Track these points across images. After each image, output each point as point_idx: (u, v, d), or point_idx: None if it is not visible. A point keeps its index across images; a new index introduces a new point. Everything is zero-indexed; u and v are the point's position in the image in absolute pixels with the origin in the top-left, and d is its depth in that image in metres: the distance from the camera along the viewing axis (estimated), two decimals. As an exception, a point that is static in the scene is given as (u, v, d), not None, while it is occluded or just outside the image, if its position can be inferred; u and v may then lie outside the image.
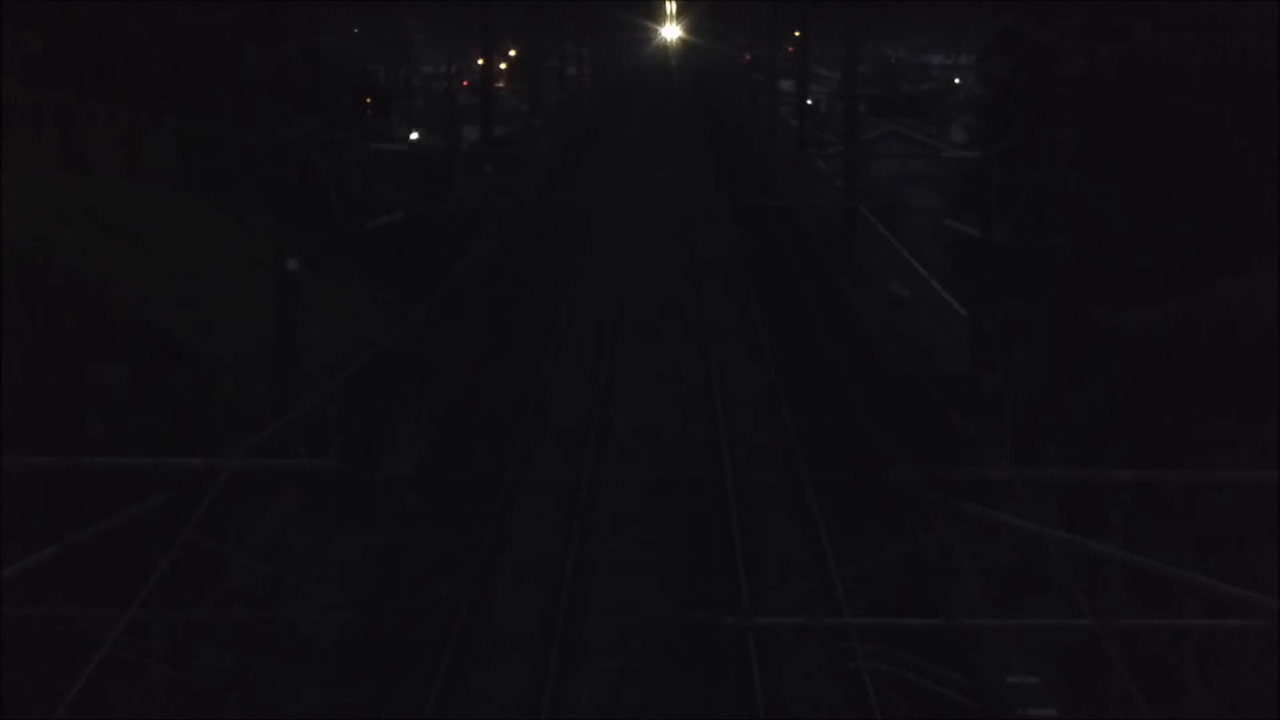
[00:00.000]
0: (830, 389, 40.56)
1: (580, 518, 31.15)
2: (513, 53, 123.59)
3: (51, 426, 26.56)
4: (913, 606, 26.05)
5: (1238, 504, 24.40)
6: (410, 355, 40.82)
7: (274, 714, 23.03)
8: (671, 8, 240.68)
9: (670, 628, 26.29)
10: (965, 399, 35.80)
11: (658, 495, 33.04)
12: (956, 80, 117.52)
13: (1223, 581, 18.34)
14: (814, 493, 32.33)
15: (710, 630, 25.62)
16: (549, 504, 32.19)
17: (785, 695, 23.99)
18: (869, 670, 23.86)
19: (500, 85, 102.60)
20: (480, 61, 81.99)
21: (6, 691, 20.66)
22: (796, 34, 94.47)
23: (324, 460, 26.02)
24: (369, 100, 67.49)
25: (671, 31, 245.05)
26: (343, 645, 24.95)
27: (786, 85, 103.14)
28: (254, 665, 23.72)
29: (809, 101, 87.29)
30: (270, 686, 23.56)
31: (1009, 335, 35.99)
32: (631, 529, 31.16)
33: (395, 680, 24.23)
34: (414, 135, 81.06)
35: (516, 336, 46.88)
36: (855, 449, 35.60)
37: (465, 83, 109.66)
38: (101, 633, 17.05)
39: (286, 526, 28.97)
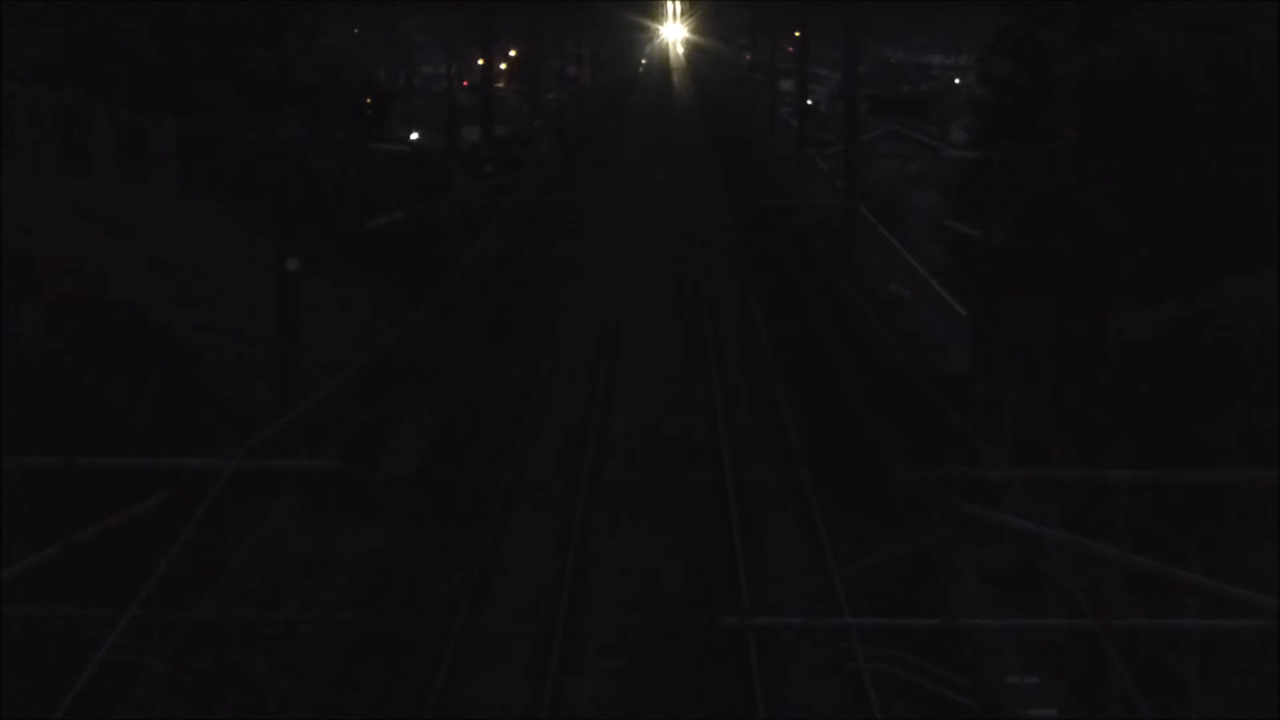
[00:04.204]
0: (830, 388, 40.56)
1: (581, 521, 31.20)
2: (513, 53, 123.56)
3: (51, 426, 26.54)
4: (913, 606, 26.06)
5: (1238, 504, 24.40)
6: (410, 355, 40.82)
7: (274, 714, 23.03)
8: (674, 6, 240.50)
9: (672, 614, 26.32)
10: (965, 399, 35.79)
11: (656, 495, 33.07)
12: (956, 80, 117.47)
13: (1223, 581, 18.33)
14: (814, 492, 32.36)
15: (710, 631, 25.63)
16: (550, 502, 32.23)
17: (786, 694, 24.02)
18: (869, 670, 23.87)
19: (500, 85, 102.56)
20: (480, 61, 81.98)
21: (6, 691, 20.66)
22: (796, 34, 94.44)
23: (324, 460, 26.02)
24: (369, 100, 67.41)
25: (674, 32, 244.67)
26: (342, 646, 24.96)
27: (787, 85, 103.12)
28: (254, 665, 23.71)
29: (809, 101, 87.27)
30: (270, 687, 23.56)
31: (1009, 335, 35.97)
32: (634, 528, 31.23)
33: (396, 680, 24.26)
34: (414, 135, 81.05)
35: (517, 336, 46.87)
36: (856, 449, 35.60)
37: (465, 83, 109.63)
38: (101, 633, 17.04)
39: (286, 527, 28.96)
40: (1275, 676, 20.71)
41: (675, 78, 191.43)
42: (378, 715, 23.47)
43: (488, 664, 25.00)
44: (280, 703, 23.24)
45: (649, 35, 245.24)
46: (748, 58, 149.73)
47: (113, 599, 19.01)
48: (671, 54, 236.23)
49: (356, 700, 23.75)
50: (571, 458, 35.18)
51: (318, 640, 24.56)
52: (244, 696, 23.00)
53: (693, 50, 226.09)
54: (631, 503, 32.63)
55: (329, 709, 23.37)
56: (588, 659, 25.26)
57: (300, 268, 30.96)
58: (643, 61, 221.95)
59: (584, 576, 28.53)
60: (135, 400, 29.88)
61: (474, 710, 23.66)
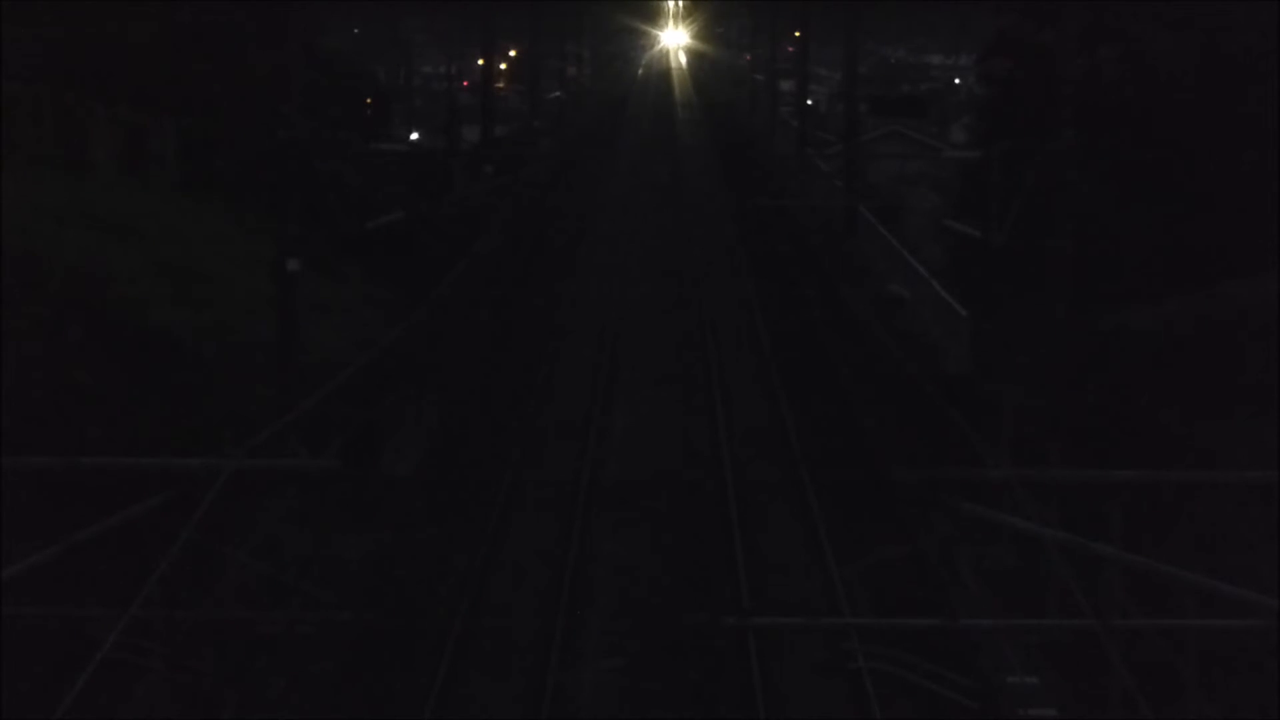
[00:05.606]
0: (830, 388, 40.56)
1: (581, 526, 31.23)
2: (513, 53, 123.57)
3: (51, 426, 26.54)
4: (913, 606, 26.06)
5: (1238, 504, 24.39)
6: (410, 355, 40.82)
7: (274, 714, 23.03)
8: (675, 6, 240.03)
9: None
10: (965, 399, 35.80)
11: (656, 494, 33.09)
12: (956, 80, 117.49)
13: (1223, 581, 18.32)
14: (814, 492, 32.37)
15: (710, 631, 25.62)
16: (551, 501, 32.26)
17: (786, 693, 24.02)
18: (869, 670, 23.86)
19: (500, 85, 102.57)
20: (480, 61, 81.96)
21: (6, 691, 20.66)
22: (796, 34, 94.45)
23: (324, 460, 26.02)
24: (369, 100, 67.48)
25: (675, 38, 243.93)
26: (342, 645, 24.97)
27: (787, 86, 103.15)
28: (254, 665, 23.71)
29: (809, 101, 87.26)
30: (270, 687, 23.56)
31: (1009, 335, 35.97)
32: (635, 519, 31.26)
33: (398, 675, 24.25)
34: (414, 135, 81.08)
35: (517, 336, 46.86)
36: (855, 449, 35.60)
37: (465, 83, 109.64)
38: (101, 633, 17.05)
39: (286, 526, 28.96)
40: (1275, 676, 20.70)
41: (675, 80, 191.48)
42: (377, 715, 23.47)
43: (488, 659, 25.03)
44: (280, 703, 23.24)
45: (649, 41, 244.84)
46: (747, 58, 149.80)
47: (113, 599, 19.01)
48: (672, 59, 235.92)
49: (356, 700, 23.75)
50: (573, 451, 35.23)
51: (318, 640, 24.56)
52: (244, 696, 22.99)
53: (694, 56, 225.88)
54: (631, 498, 32.66)
55: (329, 709, 23.37)
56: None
57: (300, 268, 30.96)
58: (642, 64, 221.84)
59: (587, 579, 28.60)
60: (135, 400, 29.89)
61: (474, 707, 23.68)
